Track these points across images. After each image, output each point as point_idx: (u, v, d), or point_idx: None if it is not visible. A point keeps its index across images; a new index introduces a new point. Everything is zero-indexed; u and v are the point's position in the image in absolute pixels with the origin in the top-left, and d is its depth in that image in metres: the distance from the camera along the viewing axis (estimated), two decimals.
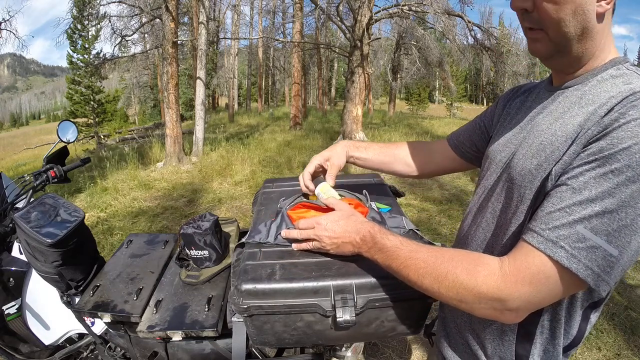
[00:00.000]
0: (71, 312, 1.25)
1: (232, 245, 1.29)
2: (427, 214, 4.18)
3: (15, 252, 1.31)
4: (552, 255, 0.51)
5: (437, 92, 40.18)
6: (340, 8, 8.33)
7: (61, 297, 1.25)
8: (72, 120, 1.68)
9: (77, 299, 1.24)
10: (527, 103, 0.73)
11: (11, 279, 1.25)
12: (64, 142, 1.59)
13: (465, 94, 38.75)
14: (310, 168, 0.94)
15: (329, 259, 0.78)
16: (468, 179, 5.52)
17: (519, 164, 0.63)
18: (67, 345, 1.36)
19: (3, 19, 8.55)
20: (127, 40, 9.12)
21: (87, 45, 18.65)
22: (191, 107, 16.89)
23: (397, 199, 1.10)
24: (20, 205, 1.37)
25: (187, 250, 1.21)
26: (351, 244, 0.72)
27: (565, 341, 0.64)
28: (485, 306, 0.56)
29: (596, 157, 0.51)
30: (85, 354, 1.38)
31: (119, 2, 7.73)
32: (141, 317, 1.11)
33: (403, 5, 8.21)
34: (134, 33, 8.79)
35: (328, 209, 0.83)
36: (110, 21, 8.11)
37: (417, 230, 0.88)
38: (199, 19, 7.96)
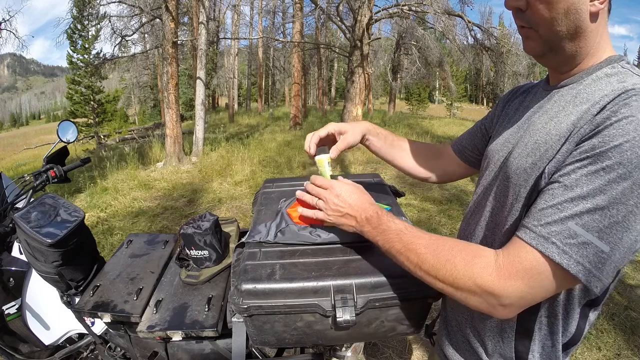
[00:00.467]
0: (71, 312, 1.25)
1: (232, 245, 1.29)
2: (427, 214, 4.18)
3: (15, 252, 1.31)
4: (544, 251, 0.51)
5: (437, 92, 40.19)
6: (340, 8, 8.34)
7: (61, 297, 1.25)
8: (72, 120, 1.68)
9: (77, 299, 1.24)
10: (525, 103, 0.74)
11: (11, 279, 1.25)
12: (64, 142, 1.59)
13: (465, 94, 38.77)
14: (322, 132, 0.89)
15: (329, 258, 0.78)
16: (468, 178, 5.52)
17: (515, 162, 0.64)
18: (67, 345, 1.36)
19: (3, 19, 8.55)
20: (127, 40, 9.13)
21: (87, 45, 18.66)
22: (191, 107, 16.89)
23: (397, 199, 1.10)
24: (20, 205, 1.38)
25: (187, 250, 1.21)
26: (355, 220, 0.72)
27: (564, 339, 0.65)
28: (478, 298, 0.57)
29: (588, 154, 0.51)
30: (85, 354, 1.38)
31: (119, 2, 7.73)
32: (141, 317, 1.11)
33: (403, 5, 8.21)
34: (134, 33, 8.79)
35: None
36: (110, 21, 8.11)
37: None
38: (199, 19, 7.96)
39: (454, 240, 0.63)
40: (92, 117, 18.83)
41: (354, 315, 0.69)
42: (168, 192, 5.12)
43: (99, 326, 1.28)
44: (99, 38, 17.72)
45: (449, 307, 0.81)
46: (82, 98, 18.68)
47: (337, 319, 0.69)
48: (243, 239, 0.86)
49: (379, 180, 1.18)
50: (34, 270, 1.27)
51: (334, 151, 0.88)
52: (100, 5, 8.09)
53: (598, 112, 0.53)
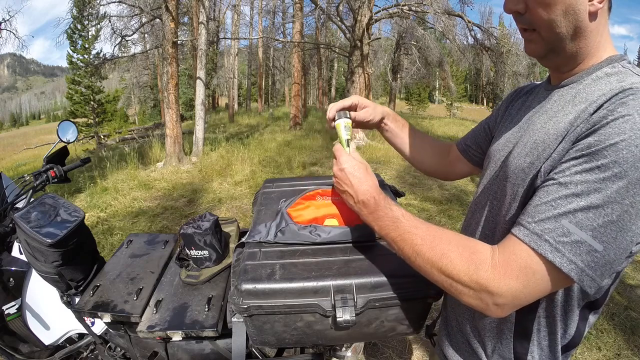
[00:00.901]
0: (71, 312, 1.25)
1: (232, 245, 1.29)
2: (427, 214, 4.18)
3: (15, 252, 1.31)
4: (537, 248, 0.51)
5: (437, 92, 40.20)
6: (340, 8, 8.34)
7: (61, 297, 1.25)
8: (72, 120, 1.68)
9: (77, 299, 1.24)
10: (527, 102, 0.74)
11: (11, 279, 1.25)
12: (64, 142, 1.59)
13: (465, 94, 38.78)
14: (347, 102, 0.88)
15: (329, 258, 0.78)
16: (468, 178, 5.52)
17: (514, 162, 0.64)
18: (67, 345, 1.36)
19: (3, 19, 8.55)
20: (127, 40, 9.12)
21: (87, 45, 18.65)
22: (191, 107, 16.89)
23: (397, 198, 1.10)
24: (20, 205, 1.38)
25: (187, 250, 1.21)
26: (353, 199, 0.70)
27: (564, 340, 0.64)
28: (472, 295, 0.56)
29: (584, 152, 0.51)
30: (85, 354, 1.38)
31: (119, 2, 7.73)
32: (141, 317, 1.11)
33: (403, 5, 8.21)
34: (134, 33, 8.78)
35: (323, 204, 0.83)
36: (110, 21, 8.11)
37: None
38: (199, 19, 7.96)
39: (451, 233, 0.61)
40: (92, 117, 18.82)
41: (354, 315, 0.69)
42: (168, 192, 5.12)
43: (99, 326, 1.28)
44: (99, 38, 17.72)
45: (449, 307, 0.81)
46: (82, 98, 18.67)
47: (337, 319, 0.69)
48: (243, 239, 0.86)
49: (379, 180, 1.18)
50: (34, 270, 1.26)
51: (352, 115, 0.87)
52: (100, 5, 8.09)
53: (595, 111, 0.53)
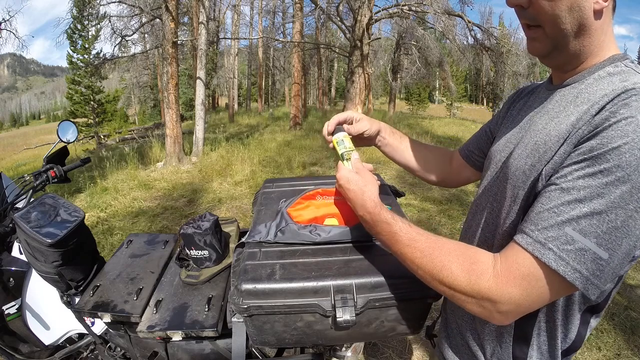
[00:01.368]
0: (71, 312, 1.25)
1: (232, 245, 1.29)
2: (427, 214, 4.18)
3: (15, 252, 1.31)
4: (540, 256, 0.50)
5: (437, 92, 40.20)
6: (340, 8, 8.34)
7: (61, 297, 1.25)
8: (72, 120, 1.68)
9: (77, 299, 1.24)
10: (529, 103, 0.73)
11: (11, 279, 1.25)
12: (64, 142, 1.59)
13: (465, 94, 38.78)
14: (341, 117, 0.89)
15: (329, 258, 0.78)
16: None
17: (514, 163, 0.63)
18: (67, 345, 1.36)
19: (3, 19, 8.55)
20: (127, 40, 9.13)
21: (87, 45, 18.66)
22: (191, 107, 16.88)
23: (397, 199, 1.10)
24: (20, 205, 1.38)
25: (187, 250, 1.21)
26: (356, 213, 0.71)
27: (564, 345, 0.64)
28: (475, 304, 0.56)
29: (586, 156, 0.50)
30: (85, 354, 1.38)
31: (119, 2, 7.73)
32: (141, 317, 1.11)
33: (403, 5, 8.22)
34: (134, 33, 8.79)
35: (323, 203, 0.84)
36: (110, 21, 8.11)
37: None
38: (199, 19, 7.96)
39: (451, 243, 0.61)
40: (92, 117, 18.83)
41: (354, 315, 0.69)
42: (168, 192, 5.12)
43: (99, 326, 1.28)
44: (99, 38, 17.73)
45: (449, 309, 0.81)
46: (82, 98, 18.68)
47: (337, 319, 0.69)
48: (243, 239, 0.86)
49: (378, 180, 1.18)
50: (34, 270, 1.26)
51: (346, 128, 0.88)
52: (100, 5, 8.09)
53: (597, 113, 0.52)
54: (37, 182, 1.41)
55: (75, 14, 11.88)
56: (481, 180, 0.79)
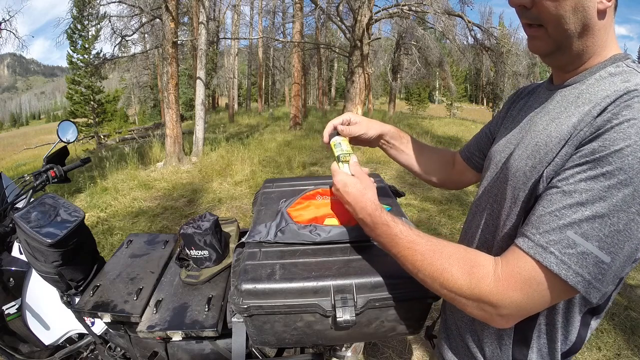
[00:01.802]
0: (71, 312, 1.25)
1: (232, 245, 1.29)
2: (427, 214, 4.18)
3: (15, 252, 1.31)
4: (542, 260, 0.50)
5: (437, 92, 40.20)
6: (340, 8, 8.34)
7: (61, 297, 1.25)
8: (72, 120, 1.68)
9: (77, 299, 1.24)
10: (529, 103, 0.72)
11: (11, 279, 1.25)
12: (64, 142, 1.59)
13: (465, 94, 38.81)
14: (337, 120, 0.88)
15: (329, 258, 0.78)
16: None
17: (514, 164, 0.62)
18: (67, 345, 1.36)
19: (3, 19, 8.55)
20: (127, 40, 9.13)
21: (87, 45, 18.66)
22: (191, 107, 16.88)
23: (397, 199, 1.10)
24: (20, 205, 1.38)
25: (187, 250, 1.21)
26: (355, 216, 0.70)
27: (564, 347, 0.63)
28: (476, 307, 0.55)
29: (587, 159, 0.49)
30: (85, 354, 1.38)
31: (119, 2, 7.73)
32: (141, 317, 1.11)
33: (403, 5, 8.22)
34: (134, 33, 8.80)
35: (323, 203, 0.84)
36: (110, 21, 8.12)
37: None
38: (199, 19, 7.96)
39: (452, 246, 0.60)
40: (92, 117, 18.83)
41: (354, 315, 0.69)
42: (168, 192, 5.12)
43: (99, 326, 1.28)
44: (99, 38, 17.73)
45: (448, 310, 0.81)
46: (82, 98, 18.68)
47: (337, 319, 0.69)
48: (243, 239, 0.86)
49: (379, 180, 1.18)
50: (34, 270, 1.26)
51: (339, 129, 0.86)
52: (100, 5, 8.09)
53: (599, 114, 0.51)
54: (37, 182, 1.41)
55: (75, 14, 11.88)
56: (481, 180, 0.78)
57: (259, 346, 1.13)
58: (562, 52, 0.59)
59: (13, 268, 1.26)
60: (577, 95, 0.58)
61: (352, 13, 8.22)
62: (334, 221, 0.86)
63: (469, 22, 8.36)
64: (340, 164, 0.77)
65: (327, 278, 0.72)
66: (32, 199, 1.39)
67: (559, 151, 0.55)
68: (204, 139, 7.70)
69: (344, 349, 1.16)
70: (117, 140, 15.61)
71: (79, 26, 17.81)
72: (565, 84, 0.62)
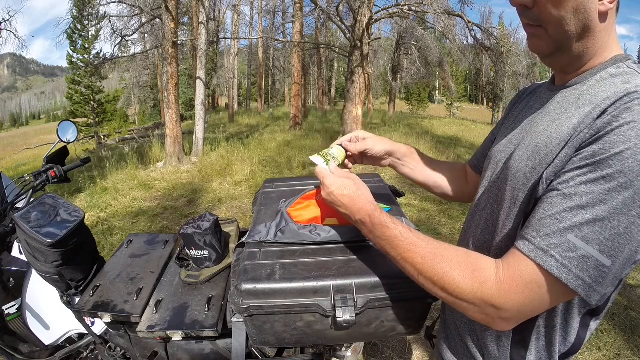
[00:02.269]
0: (71, 312, 1.25)
1: (232, 245, 1.29)
2: (427, 214, 4.18)
3: (15, 252, 1.31)
4: (542, 264, 0.50)
5: (437, 92, 40.22)
6: (340, 8, 8.33)
7: (61, 297, 1.25)
8: (72, 120, 1.68)
9: (77, 299, 1.24)
10: (530, 103, 0.72)
11: (11, 279, 1.25)
12: (64, 142, 1.59)
13: (465, 94, 38.82)
14: (346, 138, 0.89)
15: (329, 258, 0.78)
16: None
17: (515, 165, 0.62)
18: (67, 345, 1.36)
19: (3, 19, 8.55)
20: (127, 40, 9.12)
21: (87, 45, 18.67)
22: (191, 107, 16.89)
23: (397, 198, 1.10)
24: (20, 205, 1.38)
25: (187, 250, 1.21)
26: (352, 219, 0.69)
27: (563, 348, 0.63)
28: (478, 311, 0.55)
29: (588, 162, 0.49)
30: (85, 354, 1.38)
31: (119, 2, 7.73)
32: (141, 317, 1.11)
33: (403, 5, 8.21)
34: (134, 33, 8.79)
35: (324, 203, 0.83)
36: (110, 21, 8.11)
37: (417, 230, 0.88)
38: (199, 19, 7.96)
39: (453, 249, 0.60)
40: (92, 117, 18.84)
41: (354, 315, 0.69)
42: (168, 192, 5.12)
43: (99, 326, 1.28)
44: (99, 38, 17.74)
45: (448, 311, 0.81)
46: (82, 98, 18.68)
47: (337, 319, 0.69)
48: (243, 239, 0.86)
49: (379, 180, 1.18)
50: (34, 270, 1.26)
51: (340, 146, 0.86)
52: (100, 5, 8.09)
53: (599, 116, 0.51)
54: (37, 182, 1.41)
55: (75, 14, 11.88)
56: (481, 180, 0.78)
57: (259, 346, 1.13)
58: (562, 53, 0.59)
59: (13, 268, 1.26)
60: (577, 97, 0.58)
61: (352, 13, 8.21)
62: (334, 221, 0.86)
63: (469, 22, 8.36)
64: (318, 156, 0.76)
65: (327, 278, 0.72)
66: (32, 199, 1.39)
67: (559, 153, 0.54)
68: (204, 139, 7.70)
69: (344, 349, 1.16)
70: (117, 140, 15.61)
71: (79, 26, 17.82)
72: (567, 84, 0.62)
